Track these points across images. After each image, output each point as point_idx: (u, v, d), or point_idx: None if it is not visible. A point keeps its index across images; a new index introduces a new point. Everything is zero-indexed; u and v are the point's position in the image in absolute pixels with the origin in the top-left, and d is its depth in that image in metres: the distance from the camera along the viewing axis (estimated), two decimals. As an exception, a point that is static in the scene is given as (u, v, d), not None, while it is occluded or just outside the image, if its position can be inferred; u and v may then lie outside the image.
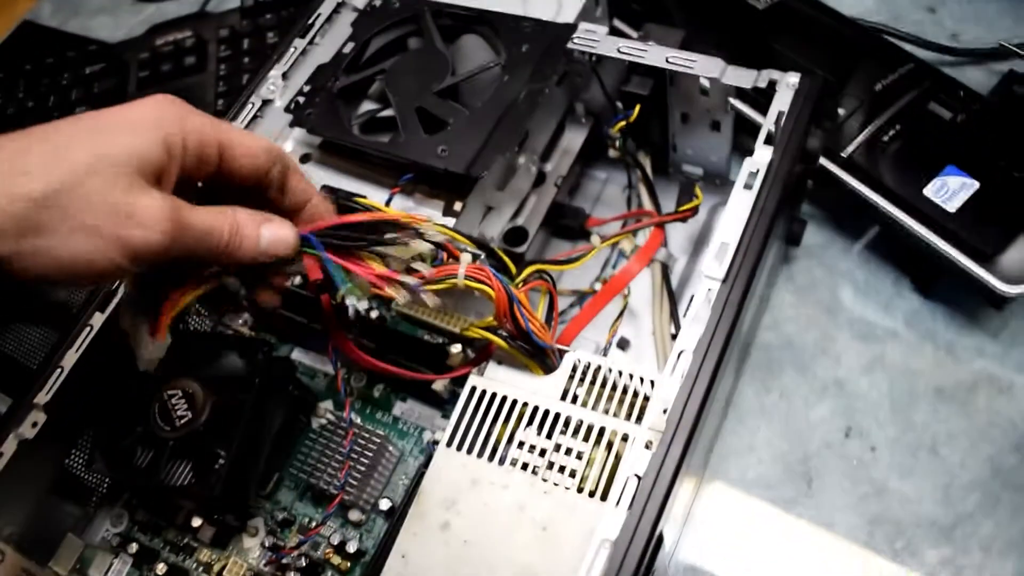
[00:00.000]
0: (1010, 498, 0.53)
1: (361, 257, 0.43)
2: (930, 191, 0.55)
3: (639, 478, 0.40)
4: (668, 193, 0.62)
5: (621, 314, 0.56)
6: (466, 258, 0.44)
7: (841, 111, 0.59)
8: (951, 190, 0.55)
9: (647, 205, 0.60)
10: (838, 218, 0.64)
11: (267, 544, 0.53)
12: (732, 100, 0.54)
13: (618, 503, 0.40)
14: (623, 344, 0.58)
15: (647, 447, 0.41)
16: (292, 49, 0.60)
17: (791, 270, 0.62)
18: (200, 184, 0.41)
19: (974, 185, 0.55)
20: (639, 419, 0.42)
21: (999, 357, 0.57)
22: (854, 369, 0.58)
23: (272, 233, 0.40)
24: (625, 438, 0.42)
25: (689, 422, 0.41)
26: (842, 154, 0.57)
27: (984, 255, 0.53)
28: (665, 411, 0.41)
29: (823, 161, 0.58)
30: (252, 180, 0.41)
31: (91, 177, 0.33)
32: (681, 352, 0.43)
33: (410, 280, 0.42)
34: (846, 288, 0.61)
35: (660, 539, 0.40)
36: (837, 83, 0.60)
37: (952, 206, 0.55)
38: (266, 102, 0.58)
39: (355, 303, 0.43)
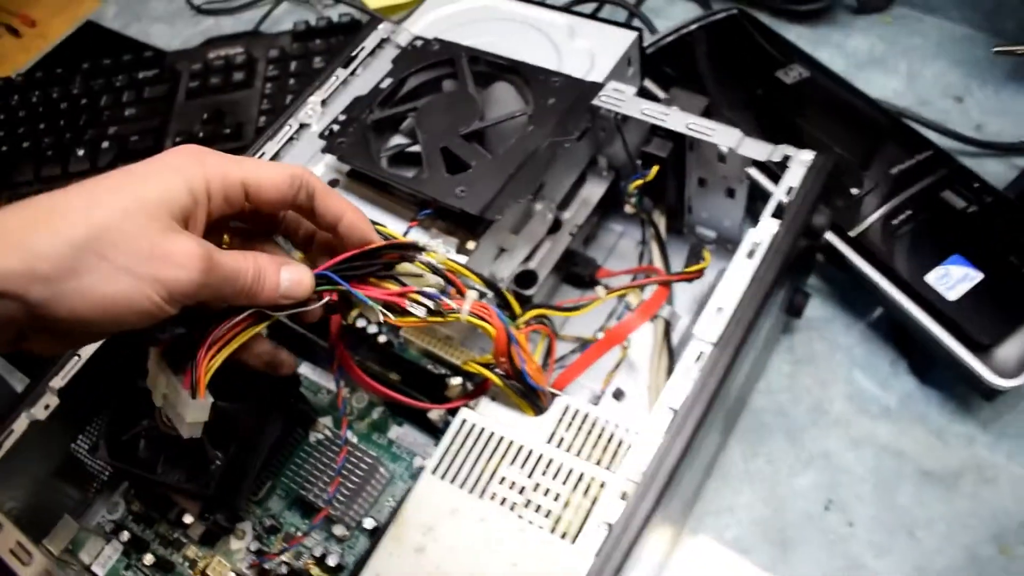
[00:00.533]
0: (983, 589, 0.53)
1: (375, 282, 0.45)
2: (932, 278, 0.56)
3: (609, 526, 0.41)
4: (680, 252, 0.63)
5: (618, 365, 0.57)
6: (472, 295, 0.46)
7: (855, 191, 0.60)
8: (954, 279, 0.56)
9: (657, 262, 0.62)
10: (845, 295, 0.65)
11: (252, 548, 0.55)
12: (749, 170, 0.56)
13: (586, 548, 0.41)
14: (619, 395, 0.59)
15: (621, 497, 0.42)
16: (334, 78, 0.63)
17: (792, 340, 0.63)
18: (233, 224, 0.44)
19: (978, 276, 0.56)
20: (624, 472, 0.44)
21: (988, 447, 0.58)
22: (842, 443, 0.58)
23: (290, 276, 0.42)
24: (603, 485, 0.44)
25: (664, 477, 0.42)
26: (851, 233, 0.59)
27: (979, 346, 0.54)
28: (643, 464, 0.43)
29: (832, 238, 0.59)
30: (280, 209, 0.43)
31: (127, 221, 0.35)
32: (665, 408, 0.44)
33: (430, 290, 0.44)
34: (844, 363, 0.62)
35: (623, 587, 0.41)
36: (854, 163, 0.62)
37: (953, 295, 0.56)
38: (303, 126, 0.61)
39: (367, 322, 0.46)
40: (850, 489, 0.57)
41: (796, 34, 0.78)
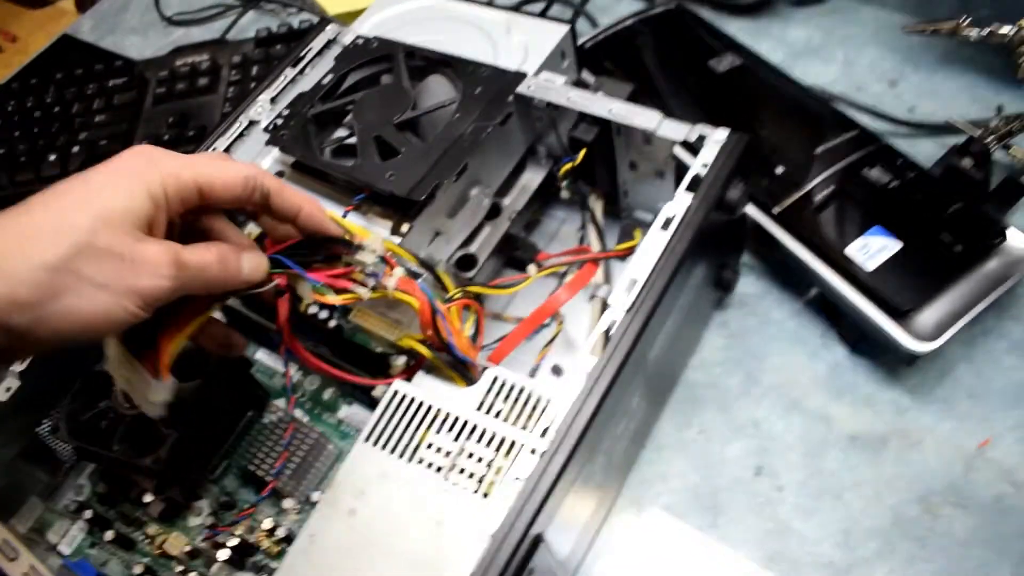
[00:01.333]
0: (907, 548, 0.55)
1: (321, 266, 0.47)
2: (852, 249, 0.59)
3: (520, 480, 0.44)
4: (618, 235, 0.66)
5: (552, 339, 0.60)
6: (398, 271, 0.49)
7: (779, 169, 0.63)
8: (872, 249, 0.59)
9: (594, 244, 0.64)
10: (778, 272, 0.67)
11: (208, 524, 0.57)
12: (679, 152, 0.58)
13: (501, 503, 0.44)
14: (557, 371, 0.62)
15: (540, 456, 0.45)
16: (282, 77, 0.66)
17: (725, 316, 0.66)
18: (182, 219, 0.45)
19: (897, 246, 0.59)
20: (543, 433, 0.46)
21: (915, 412, 0.60)
22: (773, 412, 0.61)
23: (250, 262, 0.44)
24: (524, 446, 0.46)
25: (575, 435, 0.44)
26: (775, 210, 0.61)
27: (898, 312, 0.57)
28: (557, 422, 0.45)
29: (757, 215, 0.62)
30: (235, 207, 0.45)
31: (95, 237, 0.36)
32: (580, 371, 0.47)
33: (372, 269, 0.47)
34: (776, 336, 0.64)
35: (538, 539, 0.44)
36: (780, 144, 0.65)
37: (871, 264, 0.58)
38: (253, 123, 0.64)
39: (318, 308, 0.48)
40: (779, 456, 0.59)
41: (737, 27, 0.81)
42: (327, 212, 0.51)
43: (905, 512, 0.57)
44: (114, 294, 0.37)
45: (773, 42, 0.82)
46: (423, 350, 0.51)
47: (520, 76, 0.57)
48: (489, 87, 0.56)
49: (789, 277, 0.67)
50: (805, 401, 0.61)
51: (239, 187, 0.43)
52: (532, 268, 0.59)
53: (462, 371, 0.51)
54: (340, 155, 0.59)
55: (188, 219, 0.46)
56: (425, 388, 0.51)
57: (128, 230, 0.38)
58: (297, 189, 0.47)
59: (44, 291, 0.35)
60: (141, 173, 0.40)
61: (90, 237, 0.36)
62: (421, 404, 0.49)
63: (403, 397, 0.50)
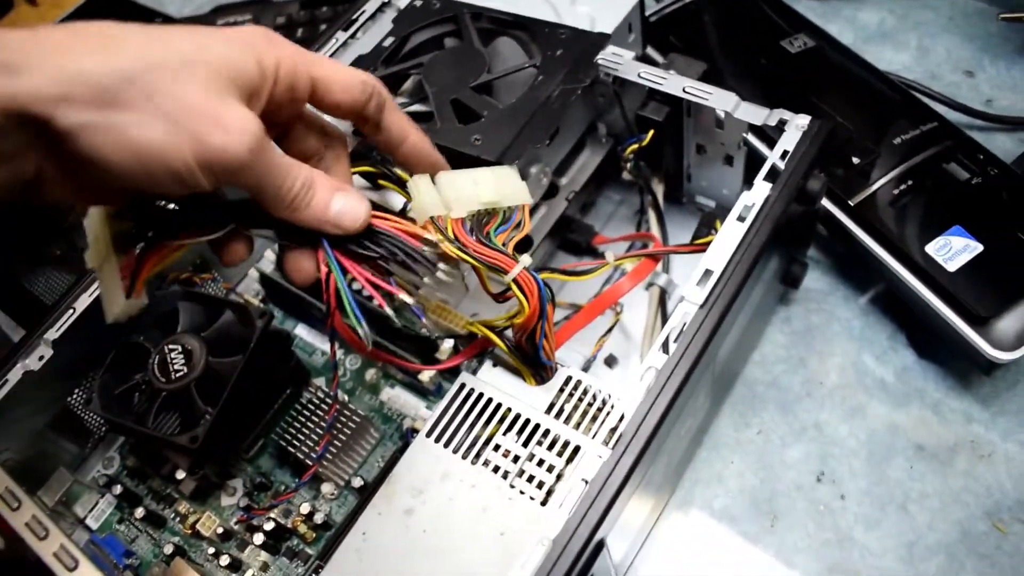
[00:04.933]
0: (974, 565, 0.52)
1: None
2: (932, 248, 0.56)
3: (586, 483, 0.41)
4: (677, 221, 0.63)
5: (610, 330, 0.57)
6: (525, 259, 0.43)
7: (856, 160, 0.60)
8: (954, 250, 0.55)
9: (654, 230, 0.61)
10: (845, 268, 0.64)
11: (242, 505, 0.55)
12: (748, 137, 0.55)
13: (562, 505, 0.41)
14: (611, 361, 0.59)
15: (602, 458, 0.42)
16: (333, 40, 0.63)
17: (788, 312, 0.62)
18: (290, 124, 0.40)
19: (978, 248, 0.55)
20: (610, 432, 0.43)
21: (985, 423, 0.57)
22: (836, 416, 0.58)
23: (343, 203, 0.38)
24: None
25: (643, 438, 0.41)
26: (851, 202, 0.58)
27: (978, 318, 0.54)
28: (624, 424, 0.42)
29: (831, 207, 0.59)
30: (349, 116, 0.40)
31: (185, 70, 0.32)
32: (647, 369, 0.44)
33: (407, 299, 0.42)
34: (841, 336, 0.61)
35: (600, 545, 0.41)
36: (856, 132, 0.61)
37: (952, 266, 0.55)
38: (303, 87, 0.61)
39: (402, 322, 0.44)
40: (842, 462, 0.56)
41: (805, 7, 0.77)
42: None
43: (973, 527, 0.54)
44: (178, 132, 0.32)
45: (843, 23, 0.78)
46: (499, 343, 0.47)
47: (604, 37, 0.53)
48: (571, 49, 0.53)
49: (856, 273, 0.63)
50: (870, 406, 0.58)
51: (357, 89, 0.39)
52: (610, 255, 0.55)
53: (536, 369, 0.47)
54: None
55: (300, 134, 0.41)
56: (493, 384, 0.47)
57: (223, 81, 0.33)
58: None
59: (106, 96, 0.31)
60: (258, 45, 0.35)
61: (180, 66, 0.32)
62: (490, 401, 0.46)
63: (470, 392, 0.47)
